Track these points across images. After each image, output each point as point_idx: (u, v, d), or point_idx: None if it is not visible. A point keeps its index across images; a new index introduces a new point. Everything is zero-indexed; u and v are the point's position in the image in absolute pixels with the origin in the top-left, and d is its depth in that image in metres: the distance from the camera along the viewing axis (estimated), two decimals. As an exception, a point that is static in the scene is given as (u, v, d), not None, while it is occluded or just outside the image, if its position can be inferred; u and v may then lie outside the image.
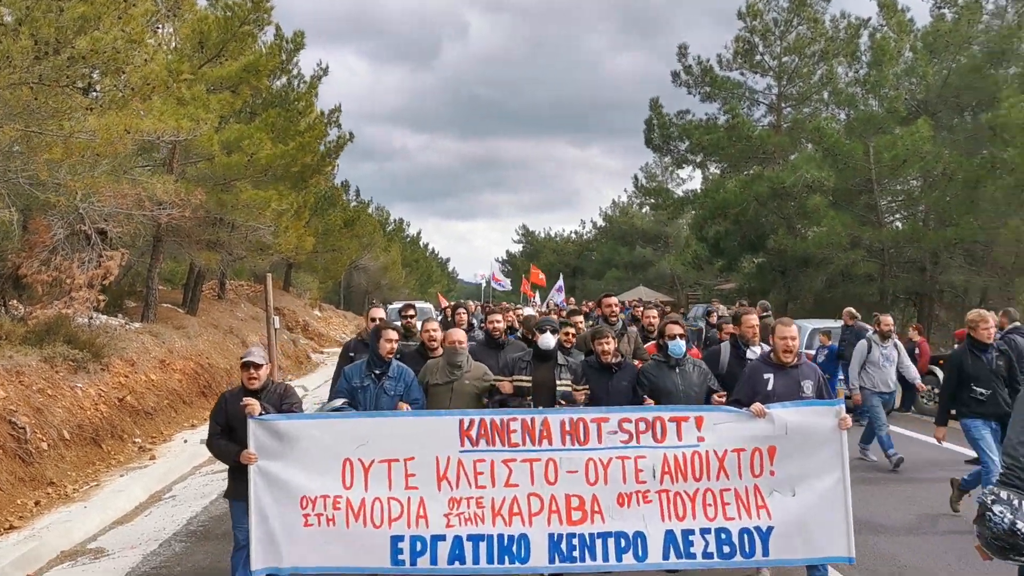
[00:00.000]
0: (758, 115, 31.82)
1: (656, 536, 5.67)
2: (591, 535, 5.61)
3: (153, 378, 16.91)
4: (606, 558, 5.61)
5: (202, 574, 6.98)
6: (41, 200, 14.43)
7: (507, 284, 31.52)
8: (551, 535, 5.59)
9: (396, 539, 5.55)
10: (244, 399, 5.60)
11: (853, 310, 15.02)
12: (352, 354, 7.69)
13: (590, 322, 10.14)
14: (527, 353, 6.93)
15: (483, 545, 5.57)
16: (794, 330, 6.22)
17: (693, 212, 36.45)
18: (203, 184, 18.69)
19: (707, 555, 5.69)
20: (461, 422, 5.72)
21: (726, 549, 5.70)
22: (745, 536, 5.71)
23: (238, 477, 5.72)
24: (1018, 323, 10.84)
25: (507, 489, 5.64)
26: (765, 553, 5.72)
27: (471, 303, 25.51)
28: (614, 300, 8.87)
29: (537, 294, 31.14)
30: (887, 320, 10.72)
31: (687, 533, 5.69)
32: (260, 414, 5.58)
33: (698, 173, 39.63)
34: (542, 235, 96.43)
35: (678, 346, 6.59)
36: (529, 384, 6.66)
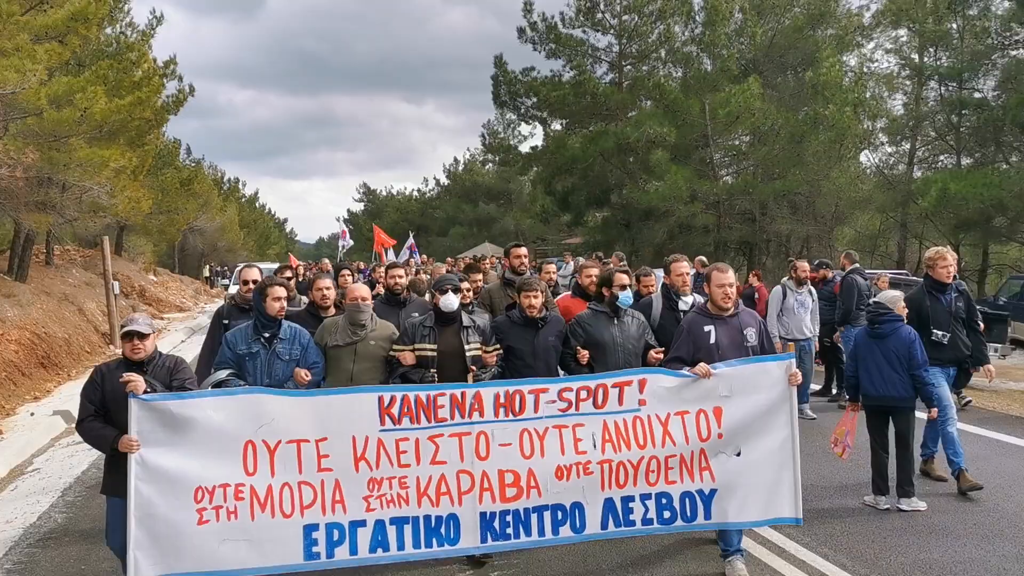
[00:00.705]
0: (600, 72, 32.65)
1: (594, 506, 5.35)
2: (526, 510, 5.25)
3: (-14, 350, 15.84)
4: (542, 533, 5.29)
5: (97, 535, 6.77)
6: None
7: (351, 242, 31.07)
8: (483, 514, 5.21)
9: (310, 528, 5.00)
10: (125, 374, 4.83)
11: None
12: (226, 320, 6.96)
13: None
14: (428, 317, 6.19)
15: (408, 528, 5.12)
16: (731, 276, 5.84)
17: (539, 168, 37.09)
18: (31, 142, 17.44)
19: (647, 521, 5.44)
20: (380, 399, 5.16)
21: (666, 515, 5.44)
22: (687, 500, 5.45)
23: (116, 468, 4.91)
24: (858, 264, 11.83)
25: (433, 467, 5.16)
26: (707, 516, 5.48)
27: (359, 263, 25.33)
28: (524, 251, 8.20)
29: (390, 252, 30.89)
30: (803, 266, 10.38)
31: (626, 500, 5.40)
32: (145, 392, 4.82)
33: (539, 129, 40.31)
34: (384, 193, 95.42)
35: (627, 296, 6.28)
36: (434, 353, 5.96)
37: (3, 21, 14.21)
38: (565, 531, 5.31)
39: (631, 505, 5.40)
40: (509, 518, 5.24)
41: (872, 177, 34.41)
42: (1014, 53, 29.12)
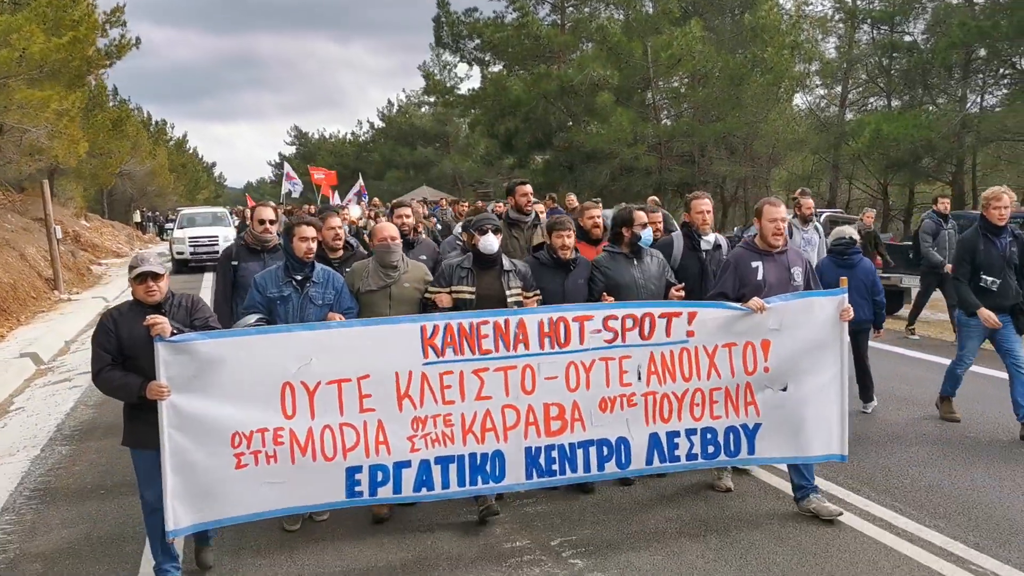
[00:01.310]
0: (543, 14, 32.68)
1: (640, 441, 5.31)
2: (571, 445, 5.20)
3: (-64, 296, 15.58)
4: (587, 468, 5.26)
5: (103, 469, 7.01)
6: None
7: (300, 184, 30.47)
8: (528, 449, 5.13)
9: (353, 471, 4.87)
10: (149, 316, 4.46)
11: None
12: (235, 262, 6.68)
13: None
14: (466, 259, 5.90)
15: (452, 467, 5.02)
16: (783, 210, 5.65)
17: (480, 111, 37.06)
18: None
19: (691, 456, 5.41)
20: (423, 329, 4.95)
21: (711, 449, 5.42)
22: (731, 434, 5.43)
23: (140, 418, 4.62)
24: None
25: (478, 403, 5.03)
26: (751, 451, 5.46)
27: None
28: (529, 188, 7.78)
29: (336, 195, 30.66)
30: (808, 203, 9.93)
31: (672, 435, 5.36)
32: (172, 334, 4.49)
33: (476, 71, 40.13)
34: (316, 136, 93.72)
35: (648, 235, 6.14)
36: (472, 296, 5.70)
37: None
38: (610, 466, 5.30)
39: (676, 441, 5.37)
40: (554, 453, 5.17)
41: (806, 119, 35.38)
42: (942, -2, 30.11)
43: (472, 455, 5.05)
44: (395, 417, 4.91)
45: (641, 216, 6.16)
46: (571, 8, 32.98)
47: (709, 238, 6.50)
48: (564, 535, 5.44)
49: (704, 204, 6.53)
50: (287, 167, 30.38)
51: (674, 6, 29.59)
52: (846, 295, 5.50)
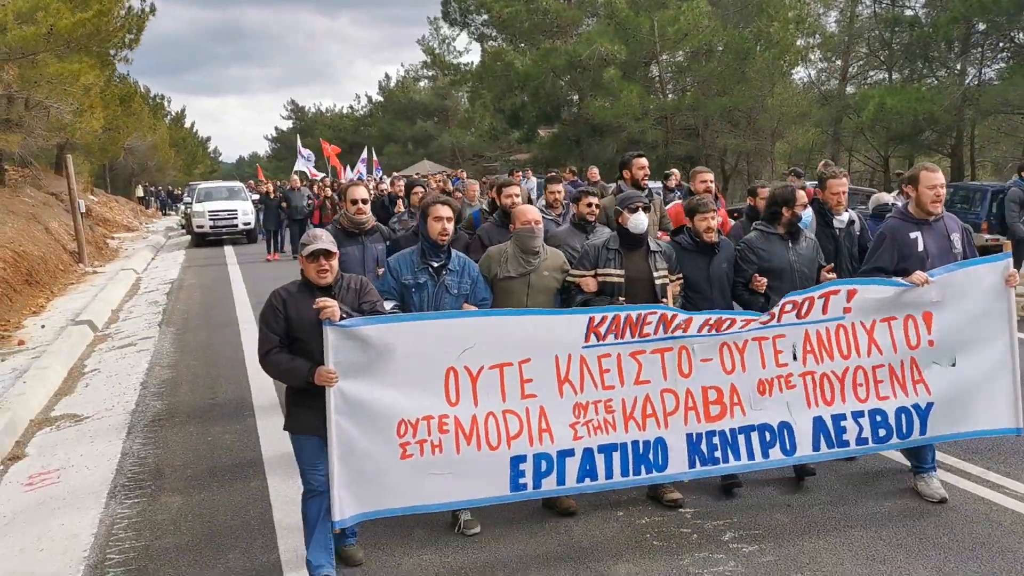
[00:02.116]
0: (550, -12, 32.99)
1: (804, 426, 5.11)
2: (732, 431, 5.05)
3: (-22, 267, 16.13)
4: (751, 455, 5.07)
5: (209, 413, 7.63)
6: None
7: (312, 156, 30.81)
8: (689, 436, 4.98)
9: (517, 460, 4.72)
10: (319, 299, 4.34)
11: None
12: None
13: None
14: (611, 239, 5.60)
15: (616, 456, 4.88)
16: (941, 176, 5.40)
17: (485, 86, 37.44)
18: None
19: (861, 441, 5.18)
20: (591, 320, 4.84)
21: (881, 432, 5.19)
22: (902, 416, 5.19)
23: (305, 403, 4.49)
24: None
25: (638, 387, 4.91)
26: (923, 431, 5.22)
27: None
28: (646, 162, 7.24)
29: (349, 168, 31.10)
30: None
31: (838, 418, 5.14)
32: (341, 319, 4.37)
33: (475, 45, 40.51)
34: (312, 111, 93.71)
35: (808, 215, 5.88)
36: (620, 279, 5.40)
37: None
38: (775, 453, 5.10)
39: (843, 424, 5.15)
40: (716, 440, 5.03)
41: (806, 93, 35.89)
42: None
43: (635, 443, 4.92)
44: (557, 403, 4.79)
45: (802, 196, 5.82)
46: (578, -18, 33.35)
47: (843, 216, 6.30)
48: (725, 518, 5.28)
49: (842, 184, 6.28)
50: (299, 143, 30.72)
51: (681, -20, 30.00)
52: (1010, 260, 5.29)
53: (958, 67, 30.59)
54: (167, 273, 19.70)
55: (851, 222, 6.36)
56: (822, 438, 5.15)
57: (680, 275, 5.61)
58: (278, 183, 27.97)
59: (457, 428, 4.61)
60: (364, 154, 30.77)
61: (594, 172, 17.50)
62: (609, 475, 4.88)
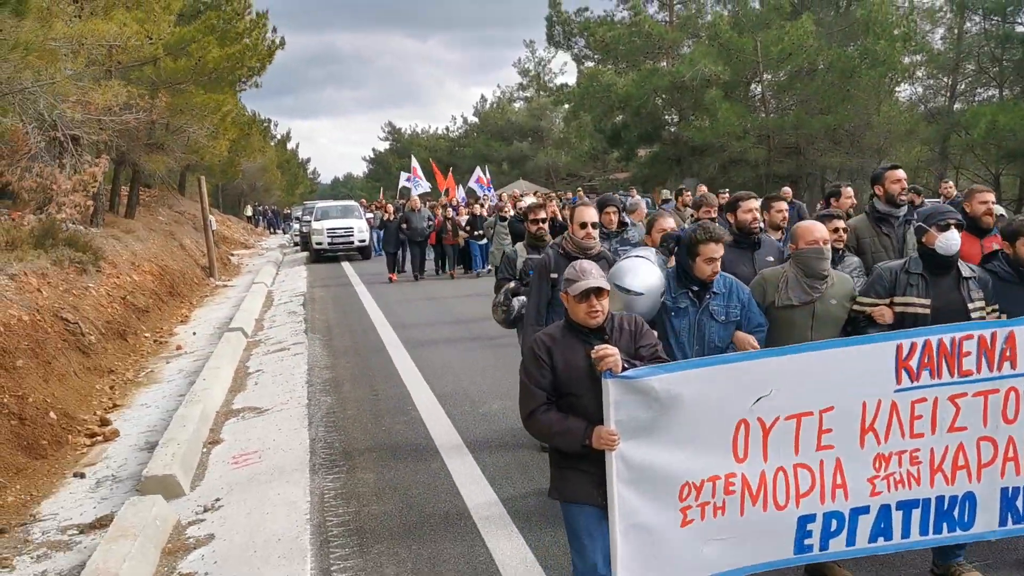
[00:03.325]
0: (651, 11, 33.68)
1: None
2: None
3: (136, 279, 17.57)
4: None
5: (376, 407, 8.48)
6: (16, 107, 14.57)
7: (424, 183, 31.65)
8: (1004, 490, 4.31)
9: (805, 520, 4.13)
10: (599, 347, 3.69)
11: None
12: (555, 275, 5.81)
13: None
14: (912, 262, 4.82)
15: (916, 512, 4.25)
16: None
17: (583, 109, 38.22)
18: (147, 89, 18.91)
19: None
20: (899, 348, 4.10)
21: None
22: None
23: (578, 467, 3.88)
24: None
25: (951, 435, 4.22)
26: None
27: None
28: (903, 174, 6.38)
29: (460, 188, 32.11)
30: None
31: None
32: (624, 369, 3.69)
33: (571, 67, 41.37)
34: (408, 132, 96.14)
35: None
36: (926, 310, 4.66)
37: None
38: None
39: None
40: None
41: (913, 111, 35.52)
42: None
43: (939, 498, 4.28)
44: (855, 455, 4.15)
45: None
46: (679, 5, 33.90)
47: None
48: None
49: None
50: (414, 162, 31.73)
51: (785, 1, 30.24)
52: None
53: (1073, 83, 29.98)
54: (295, 286, 20.96)
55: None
56: None
57: (996, 307, 4.84)
58: (400, 202, 29.05)
59: (744, 487, 4.03)
60: (477, 172, 31.55)
61: (702, 188, 17.95)
62: (906, 534, 4.28)
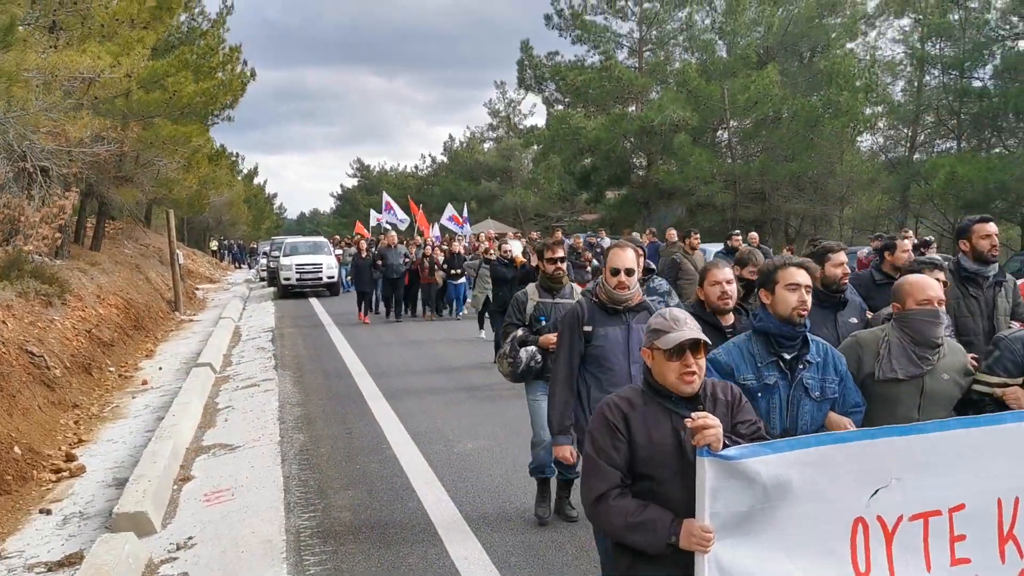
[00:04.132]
0: (621, 57, 34.35)
1: None
2: None
3: (101, 312, 17.34)
4: None
5: (349, 445, 8.41)
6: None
7: (401, 213, 30.86)
8: None
9: None
10: (697, 415, 2.88)
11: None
12: (588, 327, 4.97)
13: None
14: None
15: None
16: None
17: (552, 151, 38.66)
18: (118, 121, 18.85)
19: None
20: None
21: None
22: None
23: (652, 564, 3.05)
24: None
25: None
26: None
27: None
28: (994, 228, 5.58)
29: (435, 226, 32.02)
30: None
31: None
32: (725, 446, 2.91)
33: (541, 108, 41.93)
34: (377, 169, 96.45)
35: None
36: None
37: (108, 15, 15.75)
38: None
39: None
40: None
41: (874, 160, 36.44)
42: (1012, 44, 31.14)
43: None
44: (993, 565, 3.31)
45: None
46: (648, 52, 34.58)
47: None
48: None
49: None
50: (386, 197, 31.50)
51: (752, 52, 31.01)
52: None
53: (1028, 137, 30.97)
54: (263, 322, 20.79)
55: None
56: None
57: None
58: (372, 238, 28.75)
59: None
60: (451, 210, 31.28)
61: (672, 233, 18.18)
62: None
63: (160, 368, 14.93)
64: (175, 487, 7.70)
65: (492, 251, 16.55)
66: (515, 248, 14.32)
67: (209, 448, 9.02)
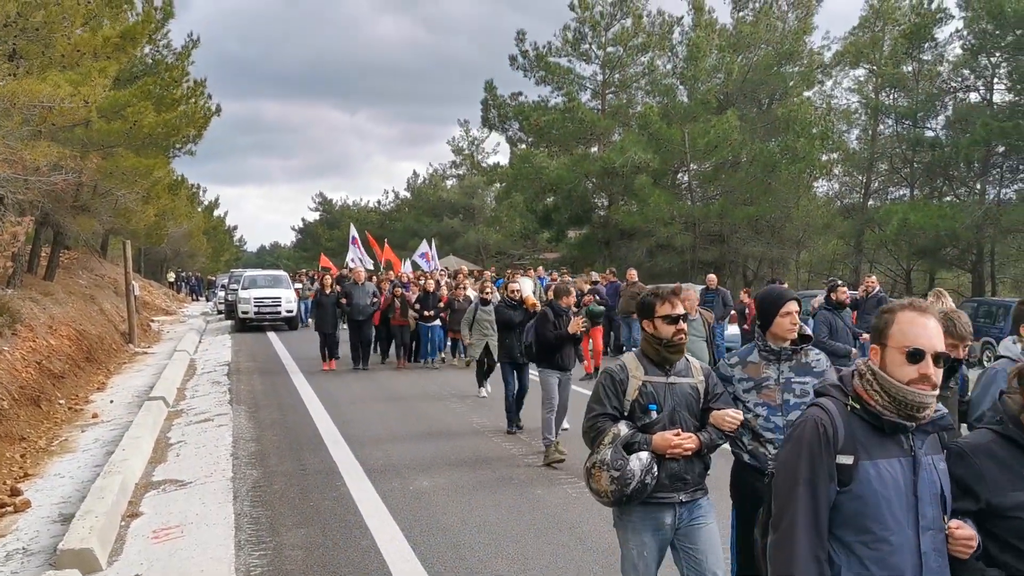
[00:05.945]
0: (584, 99, 34.82)
1: None
2: None
3: (53, 343, 17.01)
4: None
5: (303, 482, 8.30)
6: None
7: (365, 256, 29.77)
8: None
9: None
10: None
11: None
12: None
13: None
14: None
15: None
16: None
17: (515, 189, 38.93)
18: (78, 151, 18.67)
19: None
20: None
21: None
22: None
23: None
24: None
25: None
26: None
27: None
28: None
29: (406, 262, 31.79)
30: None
31: None
32: None
33: (504, 147, 42.33)
34: (339, 204, 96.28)
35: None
36: None
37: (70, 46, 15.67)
38: None
39: None
40: None
41: (830, 205, 37.22)
42: (964, 96, 32.14)
43: None
44: None
45: None
46: (610, 94, 35.11)
47: None
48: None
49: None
50: (353, 232, 30.95)
51: (712, 97, 31.65)
52: None
53: (978, 186, 31.81)
54: (219, 356, 20.52)
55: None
56: None
57: None
58: (339, 272, 28.13)
59: None
60: (424, 246, 30.81)
61: (632, 274, 18.38)
62: None
63: (111, 401, 14.64)
64: (123, 523, 7.52)
65: (493, 292, 14.21)
66: (525, 287, 12.23)
67: (159, 484, 8.84)
